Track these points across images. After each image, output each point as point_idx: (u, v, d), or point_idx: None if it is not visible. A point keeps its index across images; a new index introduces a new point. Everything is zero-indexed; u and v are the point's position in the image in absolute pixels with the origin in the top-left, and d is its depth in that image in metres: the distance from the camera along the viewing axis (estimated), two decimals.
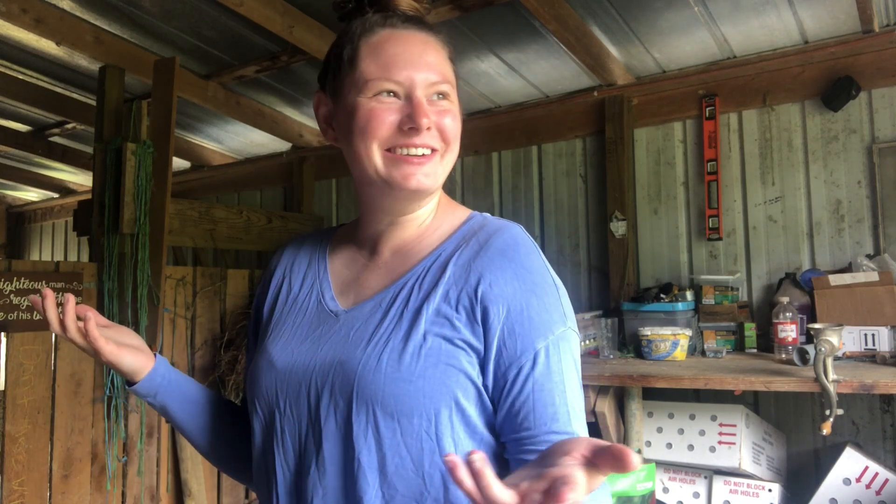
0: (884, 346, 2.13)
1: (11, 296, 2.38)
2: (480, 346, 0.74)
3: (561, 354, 0.75)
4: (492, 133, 3.25)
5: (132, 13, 2.61)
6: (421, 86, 0.78)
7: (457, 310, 0.75)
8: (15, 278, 2.39)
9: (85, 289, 2.63)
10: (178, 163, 4.36)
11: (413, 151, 0.77)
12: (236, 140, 4.08)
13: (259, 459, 0.85)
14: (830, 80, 2.44)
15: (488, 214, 0.87)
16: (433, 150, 0.78)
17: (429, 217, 0.86)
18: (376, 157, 0.78)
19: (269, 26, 2.36)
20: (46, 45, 2.89)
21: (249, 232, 3.39)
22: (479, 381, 0.75)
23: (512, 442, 0.75)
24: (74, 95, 3.51)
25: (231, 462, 0.98)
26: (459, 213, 0.88)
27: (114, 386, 2.64)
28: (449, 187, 0.88)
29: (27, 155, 4.57)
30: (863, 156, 2.43)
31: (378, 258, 0.86)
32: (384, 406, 0.73)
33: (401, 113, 0.77)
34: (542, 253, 0.80)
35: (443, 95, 0.80)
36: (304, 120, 3.68)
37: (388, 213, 0.84)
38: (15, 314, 2.39)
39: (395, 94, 0.78)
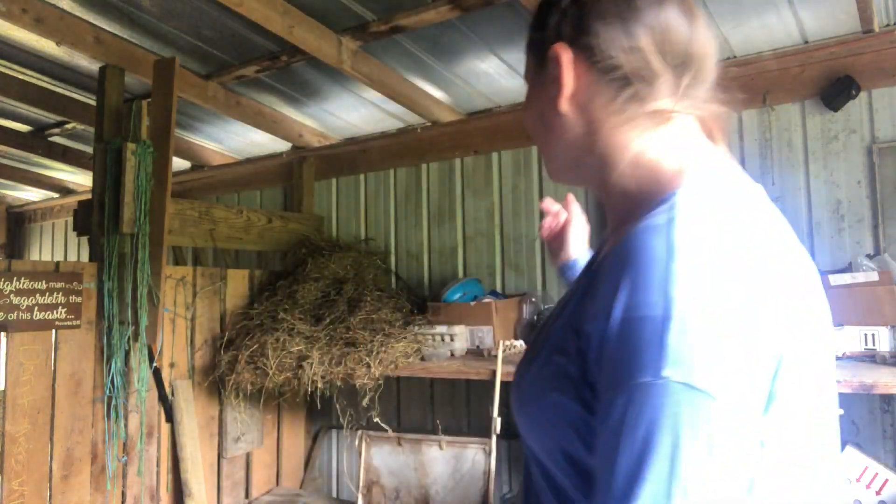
0: (884, 346, 2.12)
1: (11, 296, 2.38)
2: (591, 377, 0.59)
3: (642, 414, 0.52)
4: (492, 133, 3.25)
5: (132, 13, 2.60)
6: None
7: (578, 333, 0.61)
8: (15, 278, 2.39)
9: (85, 289, 2.63)
10: (178, 163, 4.36)
11: None
12: (236, 140, 4.08)
13: None
14: (830, 80, 2.43)
15: (684, 192, 0.62)
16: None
17: (627, 202, 0.70)
18: None
19: (269, 26, 2.36)
20: (46, 45, 2.89)
21: (249, 232, 3.39)
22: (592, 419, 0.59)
23: None
24: (74, 95, 3.51)
25: None
26: (655, 200, 0.65)
27: (114, 386, 2.64)
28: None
29: (27, 155, 4.57)
30: (863, 156, 2.43)
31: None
32: (519, 428, 0.71)
33: None
34: (694, 266, 0.55)
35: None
36: (304, 120, 3.68)
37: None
38: (15, 314, 2.38)
39: None
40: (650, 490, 0.50)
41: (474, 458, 2.68)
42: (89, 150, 4.28)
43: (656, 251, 0.56)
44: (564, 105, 0.70)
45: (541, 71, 0.73)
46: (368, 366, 2.58)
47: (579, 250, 1.15)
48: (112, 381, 2.64)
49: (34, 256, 6.12)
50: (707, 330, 0.52)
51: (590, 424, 0.58)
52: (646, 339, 0.53)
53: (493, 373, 2.40)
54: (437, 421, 3.04)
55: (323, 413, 3.61)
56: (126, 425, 2.71)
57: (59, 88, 3.45)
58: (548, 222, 1.18)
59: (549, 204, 1.18)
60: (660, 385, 0.51)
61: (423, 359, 2.72)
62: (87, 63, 3.07)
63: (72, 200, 5.55)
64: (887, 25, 2.37)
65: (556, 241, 1.17)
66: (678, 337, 0.52)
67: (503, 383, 2.42)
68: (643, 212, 0.63)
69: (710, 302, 0.53)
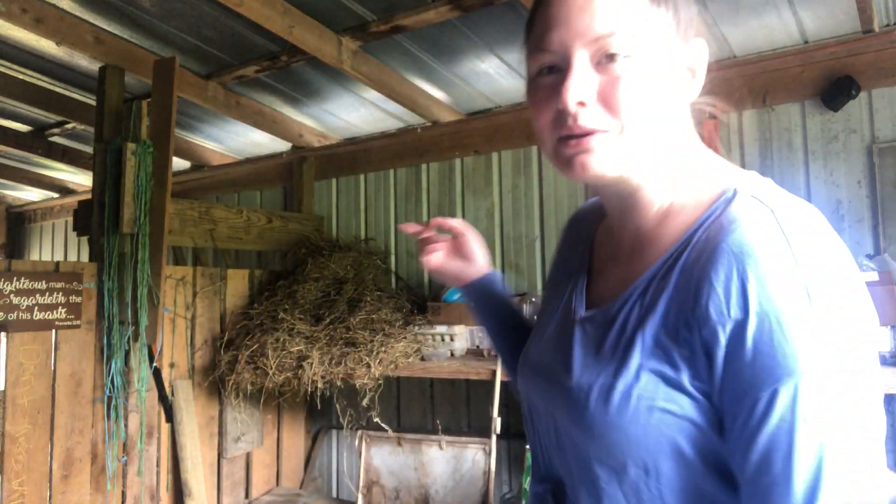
0: (884, 346, 2.12)
1: (11, 296, 2.38)
2: (708, 387, 0.57)
3: (807, 405, 0.52)
4: (492, 133, 3.25)
5: (132, 13, 2.60)
6: (578, 49, 0.61)
7: (677, 339, 0.58)
8: (15, 278, 2.39)
9: (85, 289, 2.63)
10: (178, 163, 4.36)
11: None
12: (236, 140, 4.08)
13: (525, 426, 0.84)
14: (830, 80, 2.43)
15: (743, 185, 0.63)
16: (601, 131, 0.62)
17: (670, 195, 0.67)
18: (548, 150, 0.67)
19: (269, 26, 2.36)
20: (46, 45, 2.89)
21: (249, 232, 3.39)
22: (713, 431, 0.58)
23: None
24: (74, 95, 3.51)
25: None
26: (712, 187, 0.65)
27: (114, 386, 2.64)
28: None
29: (27, 155, 4.57)
30: (863, 156, 2.43)
31: (620, 249, 0.73)
32: (595, 451, 0.63)
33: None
34: (830, 256, 0.56)
35: (614, 56, 0.61)
36: (304, 120, 3.68)
37: (605, 195, 0.72)
38: (15, 314, 2.38)
39: (556, 69, 0.63)
40: (838, 483, 0.51)
41: (474, 458, 2.68)
42: (89, 150, 4.28)
43: (776, 244, 0.55)
44: (696, 97, 0.69)
45: (669, 50, 0.64)
46: (368, 366, 2.58)
47: (488, 263, 1.03)
48: (112, 381, 2.64)
49: (34, 256, 6.12)
50: (849, 315, 0.54)
51: (704, 432, 0.58)
52: (799, 333, 0.52)
53: (493, 373, 2.40)
54: (437, 421, 3.05)
55: (323, 413, 3.61)
56: (126, 425, 2.71)
57: (59, 88, 3.45)
58: (439, 243, 1.01)
59: (412, 225, 1.03)
60: (829, 376, 0.52)
61: (423, 359, 2.72)
62: (87, 63, 3.07)
63: (72, 200, 5.55)
64: (887, 25, 2.37)
65: (455, 261, 1.02)
66: (830, 326, 0.53)
67: (503, 383, 2.42)
68: (704, 206, 0.64)
69: (844, 288, 0.55)
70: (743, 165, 2.64)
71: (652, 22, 0.62)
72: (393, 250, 3.56)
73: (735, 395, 0.55)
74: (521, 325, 1.03)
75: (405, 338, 2.74)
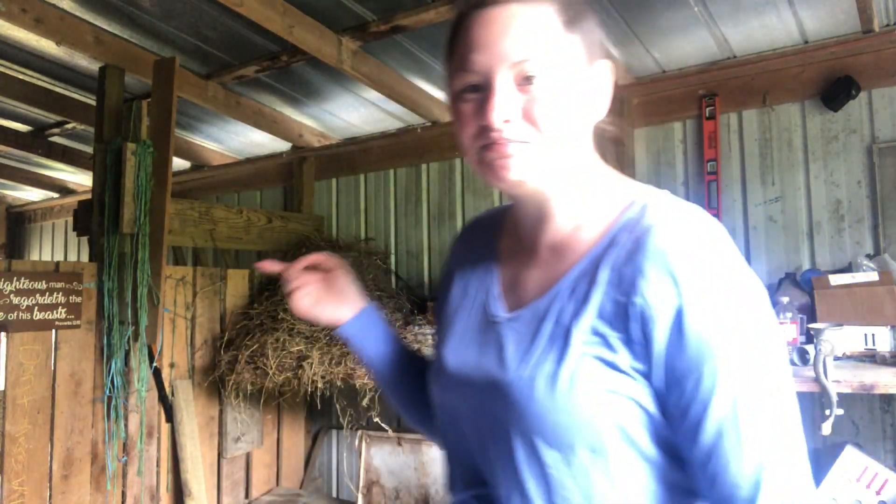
0: (884, 346, 2.12)
1: (11, 296, 2.38)
2: (646, 368, 0.64)
3: (739, 376, 0.61)
4: None
5: (132, 13, 2.61)
6: (500, 72, 0.66)
7: (613, 326, 0.65)
8: (15, 278, 2.39)
9: (85, 289, 2.63)
10: (178, 163, 4.36)
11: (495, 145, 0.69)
12: (236, 140, 4.08)
13: (442, 439, 0.84)
14: (830, 80, 2.43)
15: (649, 197, 0.72)
16: (522, 142, 0.67)
17: (585, 205, 0.74)
18: (471, 157, 0.72)
19: (269, 26, 2.36)
20: (46, 45, 2.89)
21: (249, 232, 3.39)
22: (654, 409, 0.65)
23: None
24: (74, 95, 3.51)
25: (411, 412, 0.99)
26: (620, 198, 0.73)
27: (114, 386, 2.64)
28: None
29: (27, 155, 4.57)
30: (863, 156, 2.43)
31: (537, 254, 0.77)
32: (543, 437, 0.66)
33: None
34: (728, 248, 0.65)
35: (532, 78, 0.66)
36: (304, 120, 3.68)
37: (522, 203, 0.77)
38: (15, 314, 2.39)
39: (479, 87, 0.68)
40: (789, 457, 0.62)
41: None
42: (89, 150, 4.28)
43: (695, 242, 0.64)
44: (603, 115, 0.74)
45: (581, 72, 0.70)
46: None
47: (362, 298, 0.98)
48: (112, 381, 2.64)
49: (34, 256, 6.12)
50: (761, 297, 0.65)
51: (650, 413, 0.65)
52: (730, 311, 0.62)
53: None
54: None
55: (323, 413, 3.61)
56: (126, 425, 2.71)
57: (59, 88, 3.45)
58: (309, 283, 0.94)
59: (270, 263, 0.96)
60: (760, 343, 0.62)
61: None
62: (87, 63, 3.07)
63: (72, 200, 5.55)
64: (887, 25, 2.37)
65: (328, 299, 0.95)
66: (763, 305, 0.64)
67: None
68: (616, 214, 0.71)
69: (751, 278, 0.65)
70: (742, 166, 2.65)
71: (566, 46, 0.69)
72: (393, 250, 3.56)
73: (680, 373, 0.62)
74: (409, 356, 1.00)
75: (405, 337, 2.74)
